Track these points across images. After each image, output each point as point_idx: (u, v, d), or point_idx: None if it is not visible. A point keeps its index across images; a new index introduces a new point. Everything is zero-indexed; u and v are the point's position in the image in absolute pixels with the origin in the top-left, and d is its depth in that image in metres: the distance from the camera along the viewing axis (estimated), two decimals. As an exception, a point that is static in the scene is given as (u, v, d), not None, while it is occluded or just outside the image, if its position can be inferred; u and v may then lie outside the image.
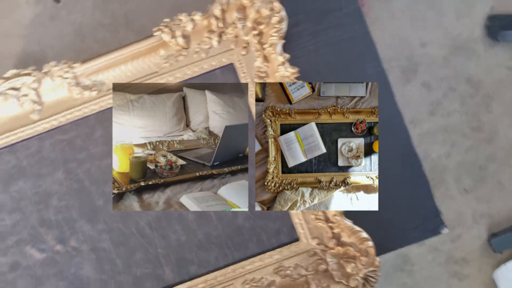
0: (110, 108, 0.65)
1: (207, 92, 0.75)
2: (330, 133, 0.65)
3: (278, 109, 0.64)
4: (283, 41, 0.61)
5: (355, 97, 0.65)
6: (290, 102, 0.64)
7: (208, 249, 0.64)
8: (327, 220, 0.61)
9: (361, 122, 0.64)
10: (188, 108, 0.76)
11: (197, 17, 0.61)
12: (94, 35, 1.16)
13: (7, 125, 0.65)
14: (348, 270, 0.58)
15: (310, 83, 0.63)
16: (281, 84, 0.63)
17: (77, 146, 0.65)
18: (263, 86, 0.63)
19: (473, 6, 1.23)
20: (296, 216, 0.62)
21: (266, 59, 0.62)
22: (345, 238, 0.60)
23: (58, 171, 0.65)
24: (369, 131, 0.65)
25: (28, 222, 0.65)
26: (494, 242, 1.16)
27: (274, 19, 0.60)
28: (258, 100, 0.64)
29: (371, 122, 0.65)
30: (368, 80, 0.65)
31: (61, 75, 0.62)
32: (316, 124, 0.64)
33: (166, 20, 0.61)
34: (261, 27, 0.61)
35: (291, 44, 0.64)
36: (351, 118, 0.65)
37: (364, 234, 0.58)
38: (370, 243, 0.58)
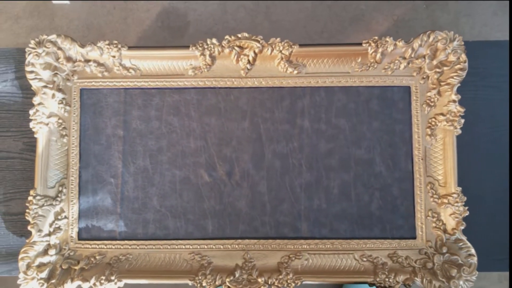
0: (301, 87, 0.80)
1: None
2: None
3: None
4: (458, 84, 0.76)
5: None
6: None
7: (341, 220, 0.79)
8: (445, 231, 0.76)
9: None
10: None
11: (400, 43, 0.76)
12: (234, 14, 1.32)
13: (219, 71, 0.80)
14: (452, 274, 0.73)
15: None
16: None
17: (266, 107, 0.80)
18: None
19: None
20: (419, 220, 0.78)
21: (439, 93, 0.77)
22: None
23: (244, 120, 0.80)
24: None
25: (208, 150, 0.80)
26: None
27: (458, 66, 0.75)
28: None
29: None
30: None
31: (280, 50, 0.77)
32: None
33: (376, 37, 0.76)
34: (445, 68, 0.76)
35: (455, 86, 0.77)
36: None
37: (473, 251, 0.73)
38: (475, 259, 0.72)
